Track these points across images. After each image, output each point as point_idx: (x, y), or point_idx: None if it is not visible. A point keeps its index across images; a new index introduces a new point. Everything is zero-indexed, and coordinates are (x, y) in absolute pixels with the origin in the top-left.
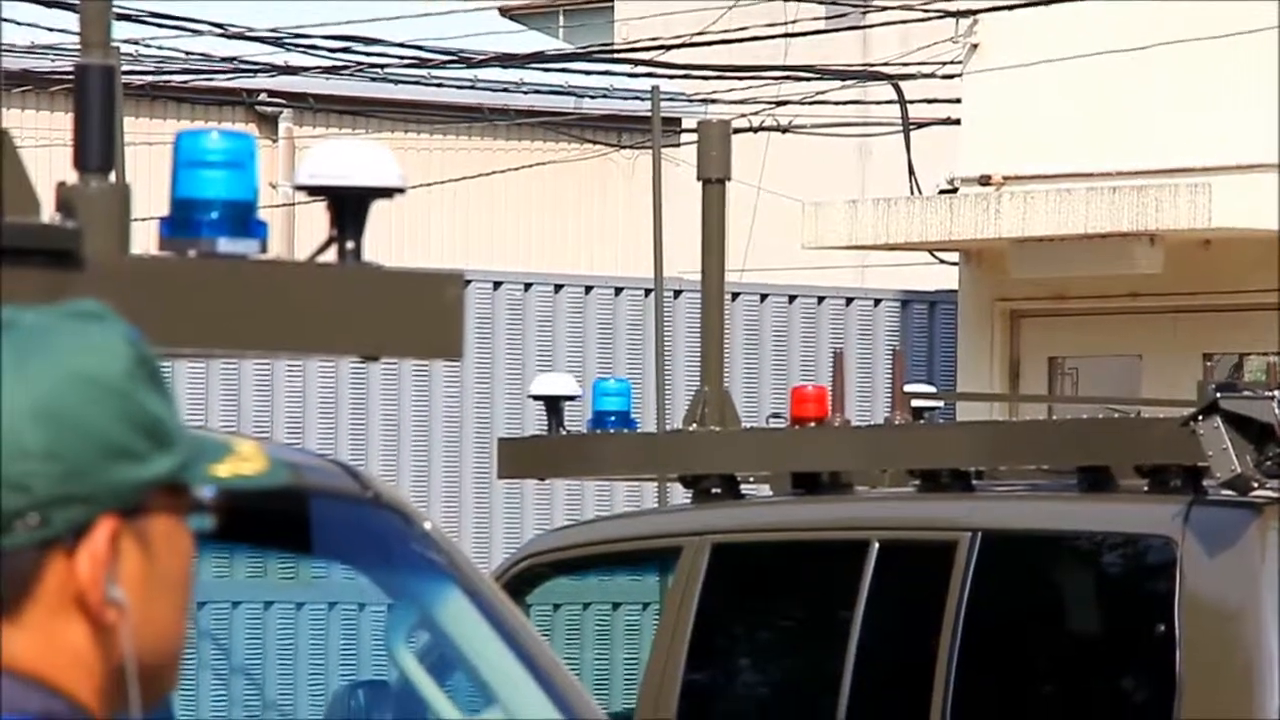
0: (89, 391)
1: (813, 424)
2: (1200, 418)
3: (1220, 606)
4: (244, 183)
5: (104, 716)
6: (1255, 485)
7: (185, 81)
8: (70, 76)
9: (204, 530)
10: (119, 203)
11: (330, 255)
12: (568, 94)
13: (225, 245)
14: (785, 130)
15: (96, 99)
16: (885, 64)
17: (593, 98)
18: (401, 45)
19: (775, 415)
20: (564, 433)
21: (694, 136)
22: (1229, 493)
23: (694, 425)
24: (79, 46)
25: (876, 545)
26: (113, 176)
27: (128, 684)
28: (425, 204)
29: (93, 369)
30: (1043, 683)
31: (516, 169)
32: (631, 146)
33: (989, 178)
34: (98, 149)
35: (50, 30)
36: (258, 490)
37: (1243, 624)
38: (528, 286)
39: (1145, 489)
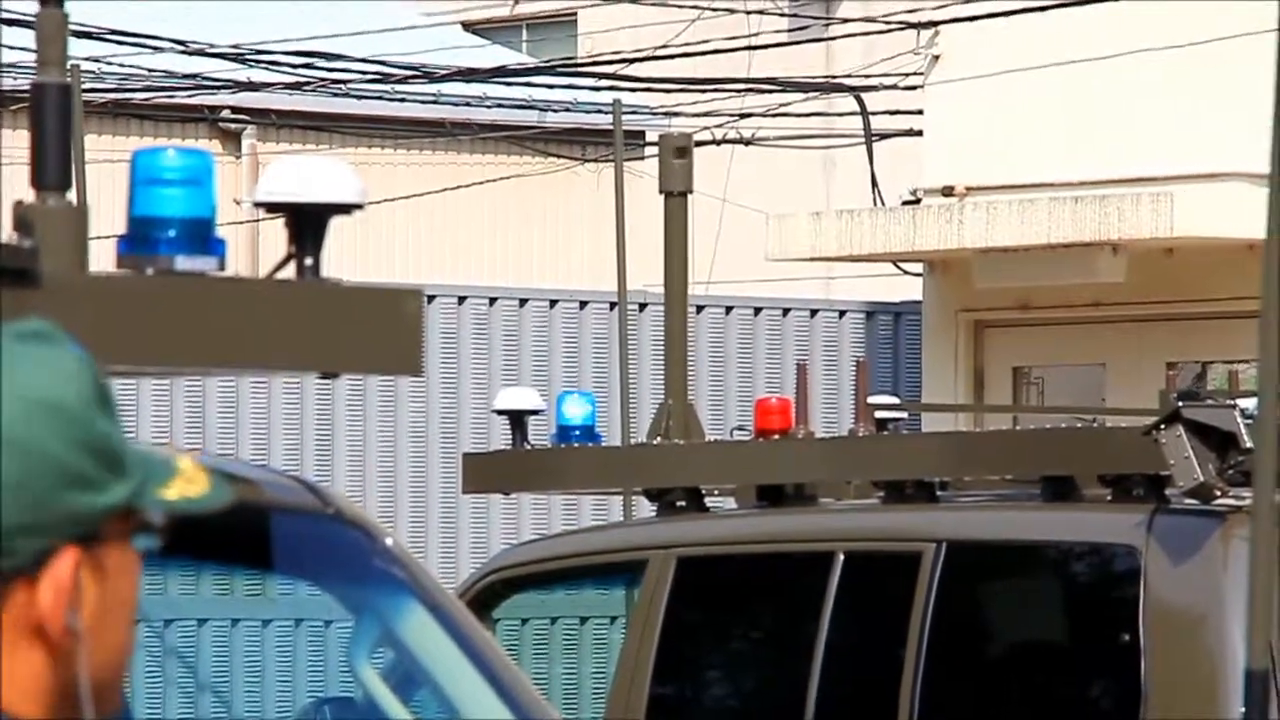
0: (52, 420)
1: (777, 436)
2: (1163, 426)
3: (1184, 614)
4: (202, 200)
5: None
6: (1218, 493)
7: (148, 99)
8: (28, 94)
9: (149, 550)
10: (76, 221)
11: (289, 272)
12: (531, 108)
13: (183, 263)
14: (748, 143)
15: (53, 117)
16: (848, 76)
17: (556, 111)
18: (363, 60)
19: (740, 428)
20: (529, 447)
21: (657, 149)
22: (1192, 501)
23: (659, 438)
24: (36, 64)
25: (842, 556)
26: (71, 195)
27: (83, 707)
28: (389, 219)
29: (55, 397)
30: (1009, 692)
31: (480, 183)
32: (595, 160)
33: (952, 188)
34: (55, 167)
35: (10, 48)
36: (205, 512)
37: (1207, 632)
38: (492, 301)
39: (1109, 498)
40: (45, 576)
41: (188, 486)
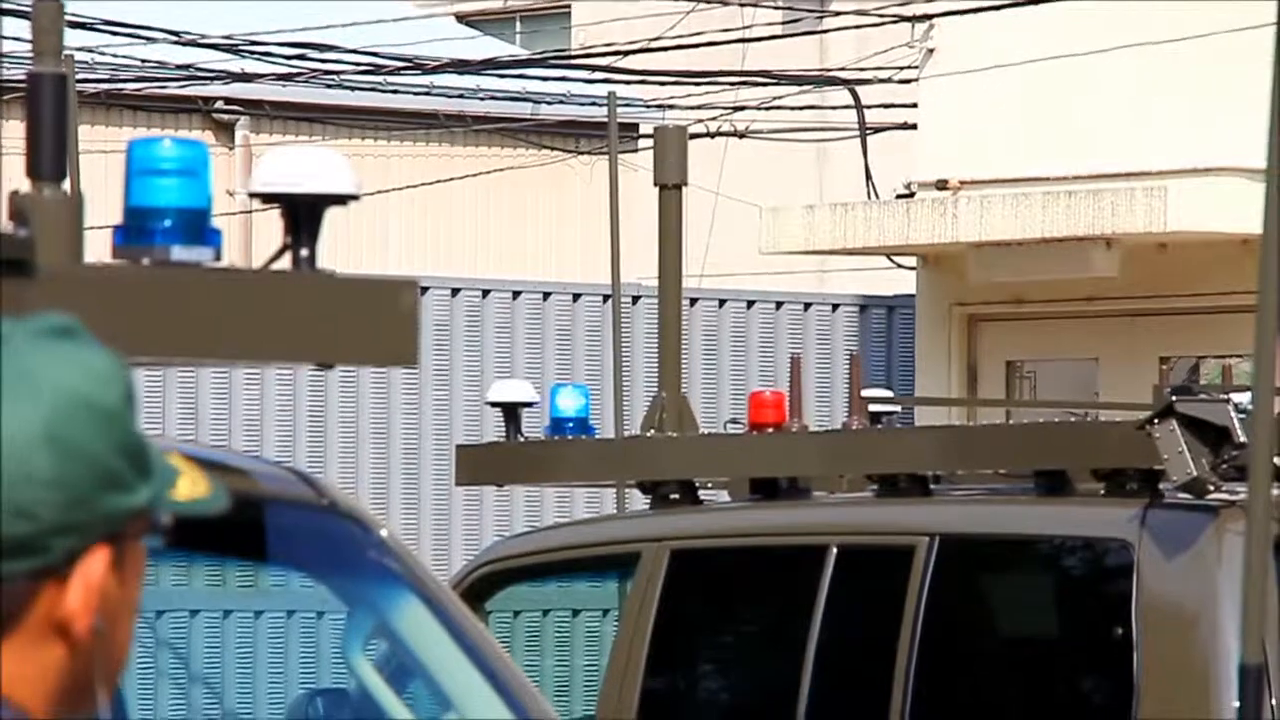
0: (94, 419)
1: (771, 429)
2: (1156, 421)
3: (1178, 609)
4: (197, 190)
5: None
6: (1211, 488)
7: (140, 89)
8: (23, 85)
9: (154, 548)
10: (72, 211)
11: (284, 263)
12: (524, 100)
13: (179, 253)
14: (742, 135)
15: (49, 107)
16: (842, 69)
17: (550, 103)
18: (356, 52)
19: (733, 420)
20: (522, 439)
21: (651, 142)
22: (1186, 496)
23: (652, 431)
24: (31, 54)
25: (835, 550)
26: (66, 185)
27: (97, 706)
28: (382, 211)
29: (97, 397)
30: (1001, 687)
31: (474, 175)
32: (589, 152)
33: (946, 182)
34: (50, 157)
35: (5, 39)
36: (208, 514)
37: (1200, 627)
38: (486, 293)
39: (1102, 492)
40: (76, 576)
41: (193, 488)
